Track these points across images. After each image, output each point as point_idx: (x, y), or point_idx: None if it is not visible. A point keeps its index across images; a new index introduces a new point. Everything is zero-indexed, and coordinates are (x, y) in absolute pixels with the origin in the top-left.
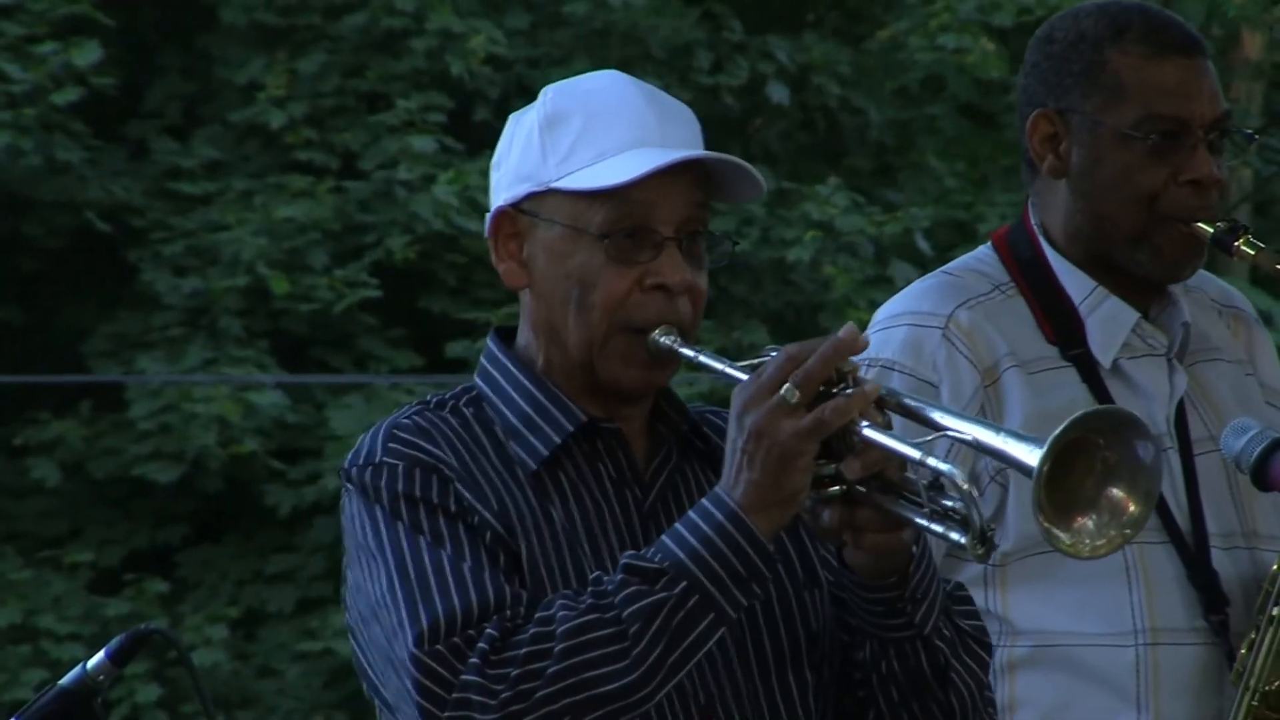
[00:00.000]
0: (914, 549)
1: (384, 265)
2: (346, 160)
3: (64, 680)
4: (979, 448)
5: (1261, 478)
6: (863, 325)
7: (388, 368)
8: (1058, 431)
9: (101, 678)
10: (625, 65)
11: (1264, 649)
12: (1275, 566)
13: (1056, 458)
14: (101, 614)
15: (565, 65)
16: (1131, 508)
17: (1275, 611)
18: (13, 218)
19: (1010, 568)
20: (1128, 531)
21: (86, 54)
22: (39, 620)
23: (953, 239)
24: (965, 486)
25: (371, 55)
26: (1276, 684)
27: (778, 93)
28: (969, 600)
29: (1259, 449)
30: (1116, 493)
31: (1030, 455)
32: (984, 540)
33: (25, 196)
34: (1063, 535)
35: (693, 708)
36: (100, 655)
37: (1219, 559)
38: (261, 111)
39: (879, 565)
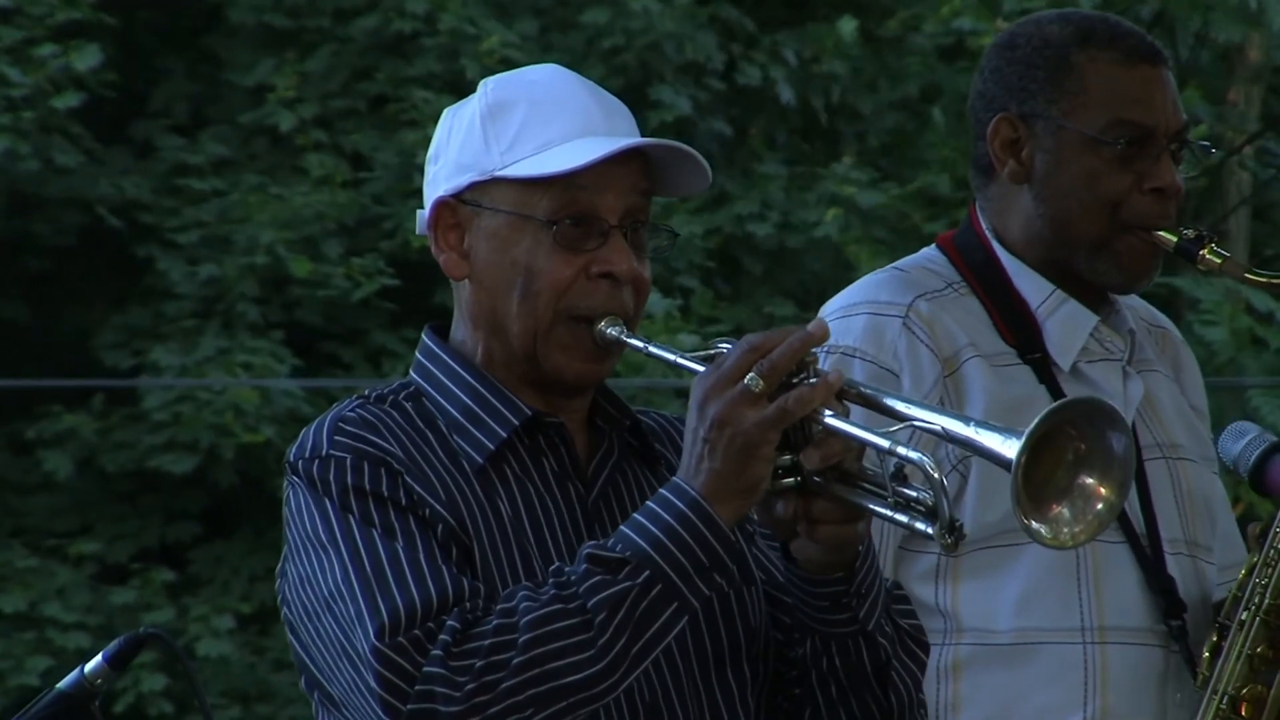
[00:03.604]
0: (859, 546)
1: (398, 258)
2: (356, 163)
3: (62, 684)
4: (947, 437)
5: (1259, 481)
6: None
7: (402, 365)
8: (1035, 422)
9: (99, 681)
10: (639, 69)
11: (1234, 653)
12: (1242, 573)
13: (1031, 449)
14: (107, 603)
15: (579, 70)
16: (1104, 493)
17: (1244, 616)
18: (20, 216)
19: (964, 560)
20: (1104, 516)
21: (86, 57)
22: (44, 609)
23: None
24: (936, 475)
25: (382, 57)
26: (1245, 688)
27: (786, 93)
28: (906, 600)
29: (1257, 452)
30: (1089, 481)
31: (1007, 447)
32: (952, 529)
33: (32, 195)
34: (1041, 528)
35: (639, 704)
36: (98, 659)
37: (1169, 565)
38: (271, 113)
39: (828, 559)
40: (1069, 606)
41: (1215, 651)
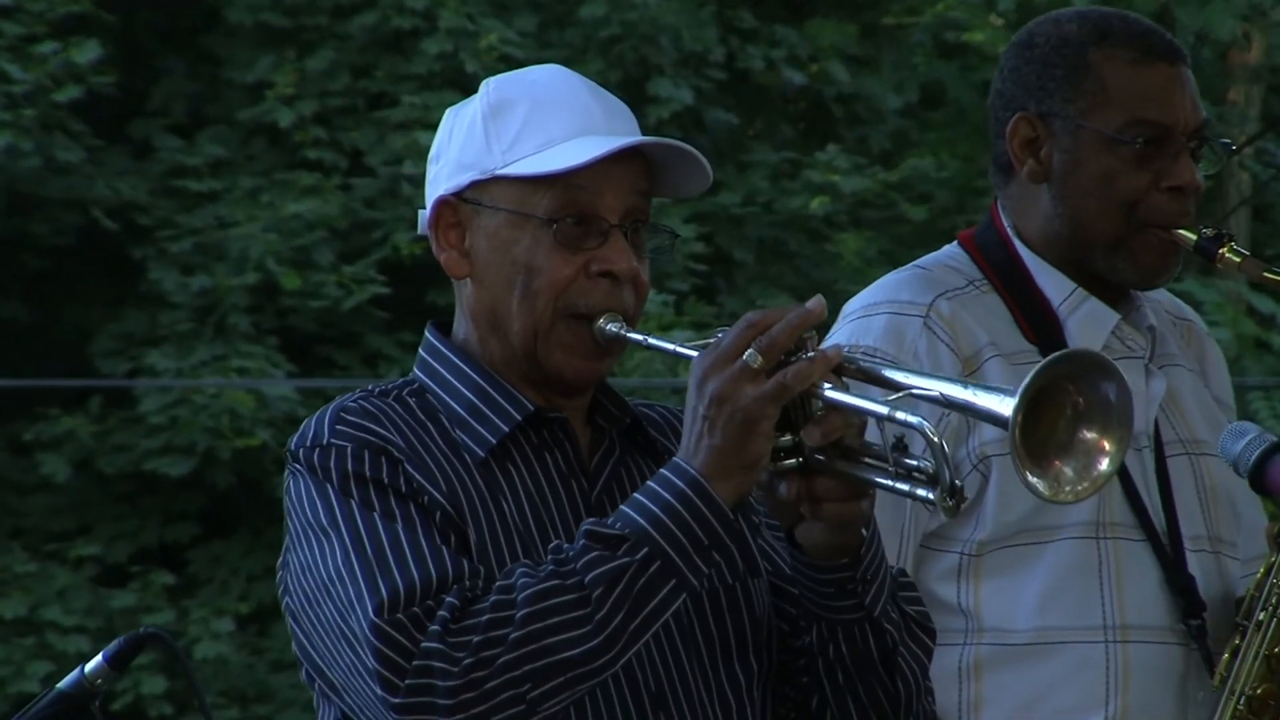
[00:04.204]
0: (864, 531)
1: (390, 262)
2: (354, 159)
3: (62, 684)
4: (946, 403)
5: (1259, 481)
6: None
7: (397, 369)
8: (1029, 378)
9: (99, 681)
10: (639, 64)
11: (1250, 654)
12: (1260, 573)
13: (1028, 406)
14: (107, 606)
15: (579, 65)
16: (1107, 448)
17: (1261, 616)
18: (18, 216)
19: (985, 559)
20: (1107, 471)
21: (85, 52)
22: (44, 613)
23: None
24: (936, 438)
25: (380, 55)
26: (1261, 688)
27: (796, 78)
28: (912, 586)
29: (1257, 452)
30: (1090, 436)
31: (1002, 405)
32: (953, 492)
33: (30, 195)
34: (1038, 483)
35: (644, 696)
36: (98, 659)
37: (1191, 562)
38: (270, 110)
39: (834, 541)
40: (1090, 605)
41: (1233, 652)
